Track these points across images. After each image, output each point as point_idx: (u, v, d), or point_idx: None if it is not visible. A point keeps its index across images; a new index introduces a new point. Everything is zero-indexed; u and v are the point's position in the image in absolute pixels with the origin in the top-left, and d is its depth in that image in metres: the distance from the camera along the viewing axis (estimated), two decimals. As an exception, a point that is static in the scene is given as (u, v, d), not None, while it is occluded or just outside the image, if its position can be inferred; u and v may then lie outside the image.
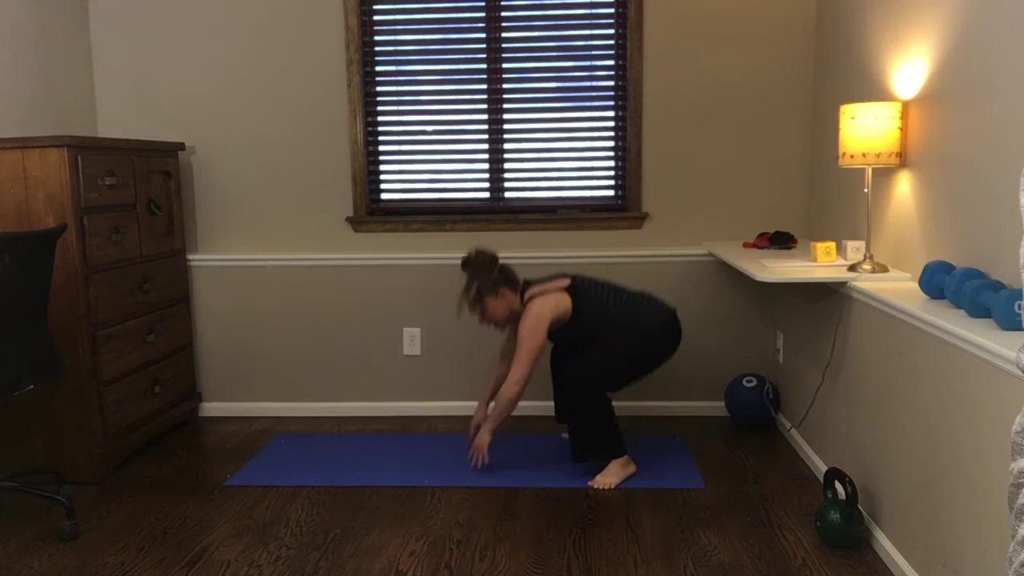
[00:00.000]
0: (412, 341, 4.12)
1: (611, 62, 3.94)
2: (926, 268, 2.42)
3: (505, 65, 3.98)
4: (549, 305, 3.22)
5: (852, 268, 2.84)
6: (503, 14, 3.95)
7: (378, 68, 4.03)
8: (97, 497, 3.20)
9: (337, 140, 4.04)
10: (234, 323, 4.16)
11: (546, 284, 3.30)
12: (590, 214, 3.98)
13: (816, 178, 3.81)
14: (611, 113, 3.97)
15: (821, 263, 3.03)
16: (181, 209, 3.99)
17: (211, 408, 4.21)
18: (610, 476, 3.24)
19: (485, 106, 4.01)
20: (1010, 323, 1.97)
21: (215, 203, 4.12)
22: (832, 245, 3.05)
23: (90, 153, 3.27)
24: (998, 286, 2.09)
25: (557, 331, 3.29)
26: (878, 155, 2.74)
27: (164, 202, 3.86)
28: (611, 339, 3.24)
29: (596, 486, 3.22)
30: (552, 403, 3.88)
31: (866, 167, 2.82)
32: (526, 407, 4.08)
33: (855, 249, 2.97)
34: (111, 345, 3.39)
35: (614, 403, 3.48)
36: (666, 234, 3.98)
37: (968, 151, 2.37)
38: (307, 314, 4.13)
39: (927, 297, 2.44)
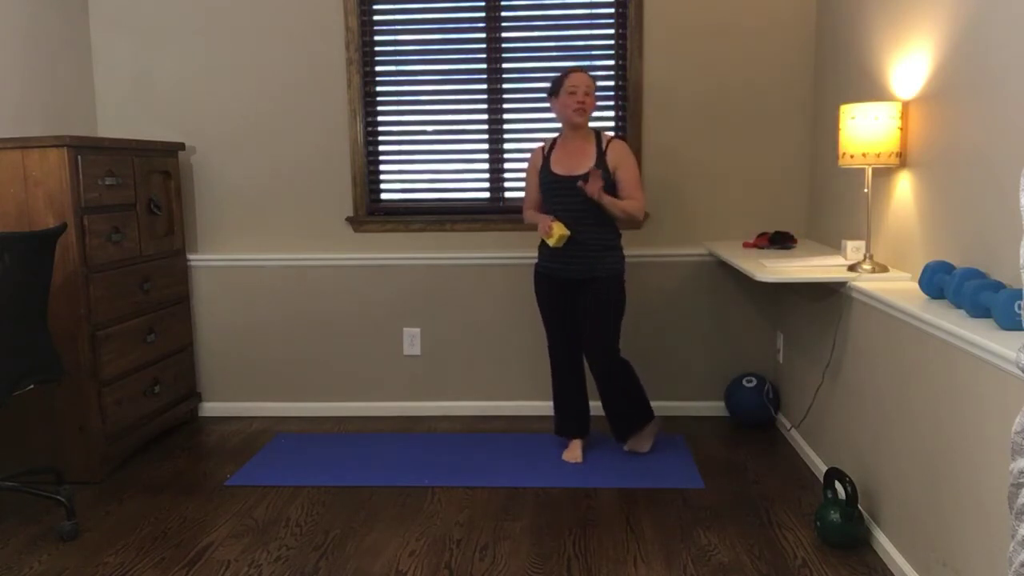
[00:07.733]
0: (412, 341, 4.12)
1: (611, 62, 3.94)
2: (926, 268, 2.42)
3: (505, 65, 3.98)
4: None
5: (852, 268, 2.84)
6: (503, 14, 3.95)
7: (378, 68, 4.03)
8: (97, 497, 3.20)
9: (337, 140, 4.04)
10: (234, 323, 4.16)
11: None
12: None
13: (816, 178, 3.81)
14: (611, 113, 3.97)
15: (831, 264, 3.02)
16: (181, 209, 3.99)
17: (211, 408, 4.21)
18: (646, 440, 3.48)
19: (485, 106, 4.01)
20: (1010, 323, 1.97)
21: (215, 203, 4.11)
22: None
23: (90, 153, 3.27)
24: (998, 286, 2.09)
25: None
26: (878, 155, 2.74)
27: (164, 202, 3.86)
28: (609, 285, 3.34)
29: (634, 450, 3.48)
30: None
31: (866, 167, 2.82)
32: (525, 407, 4.09)
33: (855, 249, 2.97)
34: (111, 345, 3.39)
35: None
36: (666, 234, 3.98)
37: (968, 151, 2.37)
38: (307, 314, 4.13)
39: (927, 297, 2.44)
